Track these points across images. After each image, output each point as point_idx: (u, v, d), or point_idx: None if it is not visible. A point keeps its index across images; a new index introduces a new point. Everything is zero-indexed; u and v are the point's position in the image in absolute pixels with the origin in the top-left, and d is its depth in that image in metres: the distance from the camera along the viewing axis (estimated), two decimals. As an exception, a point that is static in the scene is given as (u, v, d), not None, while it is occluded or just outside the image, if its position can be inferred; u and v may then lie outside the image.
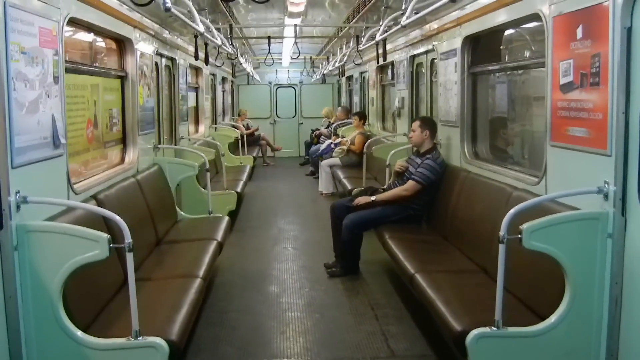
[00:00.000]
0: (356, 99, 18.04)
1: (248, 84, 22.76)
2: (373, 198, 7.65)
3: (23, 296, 4.03)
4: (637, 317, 4.01)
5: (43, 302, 4.02)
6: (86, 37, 6.43)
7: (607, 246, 4.12)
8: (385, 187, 8.12)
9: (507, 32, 6.96)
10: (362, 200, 7.72)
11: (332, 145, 13.98)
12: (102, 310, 4.80)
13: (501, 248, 4.02)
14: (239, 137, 15.57)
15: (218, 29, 9.52)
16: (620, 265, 4.09)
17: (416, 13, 6.76)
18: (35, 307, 4.04)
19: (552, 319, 4.15)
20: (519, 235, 3.96)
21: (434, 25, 8.32)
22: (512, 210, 4.08)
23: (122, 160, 7.22)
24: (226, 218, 8.26)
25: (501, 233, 3.99)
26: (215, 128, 15.58)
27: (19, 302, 4.02)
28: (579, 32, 4.39)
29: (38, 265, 4.01)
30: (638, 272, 3.96)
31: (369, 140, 12.02)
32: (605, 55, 4.08)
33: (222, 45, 9.67)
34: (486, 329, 4.13)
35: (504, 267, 4.05)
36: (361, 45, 11.01)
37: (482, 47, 7.18)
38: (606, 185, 4.13)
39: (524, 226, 3.97)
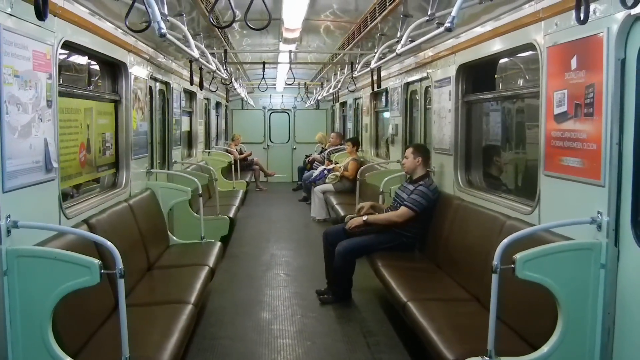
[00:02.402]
0: (350, 125, 18.06)
1: (242, 108, 22.75)
2: (365, 218, 7.63)
3: (12, 322, 3.98)
4: (629, 347, 4.01)
5: (32, 328, 3.97)
6: (80, 60, 6.43)
7: (600, 277, 4.12)
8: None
9: (502, 60, 6.99)
10: (354, 222, 7.70)
11: (325, 171, 13.97)
12: (92, 336, 4.75)
13: (494, 278, 4.00)
14: (232, 162, 15.53)
15: (213, 54, 9.54)
16: (612, 295, 4.09)
17: (411, 41, 6.78)
18: (24, 332, 3.99)
19: (545, 349, 4.13)
20: (512, 265, 3.95)
21: (429, 53, 8.36)
22: (505, 240, 4.06)
23: (115, 184, 7.19)
24: (218, 243, 8.23)
25: (494, 263, 3.98)
26: (209, 153, 15.56)
27: (8, 328, 3.97)
28: (574, 63, 4.42)
29: (28, 291, 3.97)
30: (630, 302, 3.96)
31: (362, 167, 12.00)
32: (600, 86, 4.10)
33: (217, 71, 9.68)
34: (478, 359, 4.10)
35: (497, 296, 4.04)
36: (355, 72, 11.02)
37: (477, 76, 7.19)
38: (599, 215, 4.14)
39: (517, 256, 3.95)
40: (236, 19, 5.52)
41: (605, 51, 4.04)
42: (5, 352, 3.98)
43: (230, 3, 5.22)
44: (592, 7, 4.00)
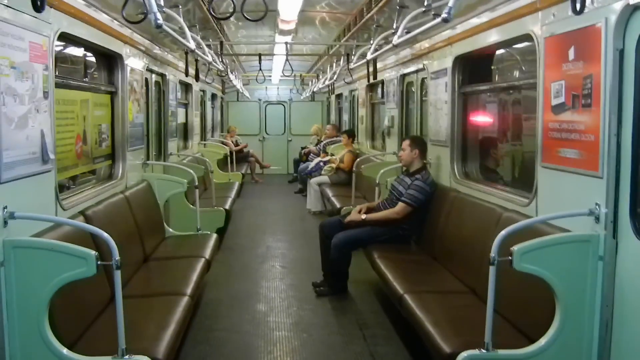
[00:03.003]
0: (346, 117, 18.05)
1: (237, 100, 22.68)
2: (364, 217, 7.62)
3: (8, 312, 3.97)
4: (627, 340, 3.99)
5: (29, 319, 3.96)
6: (76, 51, 6.40)
7: (598, 269, 4.11)
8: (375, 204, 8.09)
9: (499, 52, 6.97)
10: (353, 217, 7.70)
11: (321, 163, 13.95)
12: (89, 328, 4.74)
13: (491, 270, 3.99)
14: (228, 153, 15.52)
15: (209, 46, 9.51)
16: (611, 288, 4.08)
17: (407, 32, 6.77)
18: (21, 323, 3.98)
19: (542, 341, 4.13)
20: (510, 257, 3.94)
21: (425, 44, 8.34)
22: (503, 232, 4.05)
23: (111, 176, 7.17)
24: (214, 235, 8.22)
25: (492, 255, 3.97)
26: (205, 144, 15.54)
27: (4, 319, 3.96)
28: (571, 54, 4.40)
29: (24, 282, 3.96)
30: (629, 295, 3.95)
31: (358, 159, 12.00)
32: (597, 76, 4.08)
33: (213, 62, 9.65)
34: (475, 351, 4.10)
35: (494, 288, 4.03)
36: (351, 64, 11.01)
37: (473, 67, 7.17)
38: (597, 207, 4.13)
39: (515, 248, 3.95)
40: (234, 10, 5.51)
41: (603, 41, 4.02)
42: (3, 343, 3.97)
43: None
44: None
